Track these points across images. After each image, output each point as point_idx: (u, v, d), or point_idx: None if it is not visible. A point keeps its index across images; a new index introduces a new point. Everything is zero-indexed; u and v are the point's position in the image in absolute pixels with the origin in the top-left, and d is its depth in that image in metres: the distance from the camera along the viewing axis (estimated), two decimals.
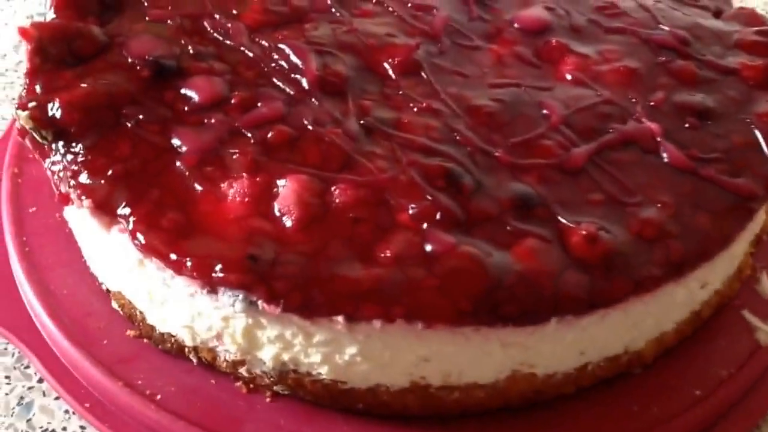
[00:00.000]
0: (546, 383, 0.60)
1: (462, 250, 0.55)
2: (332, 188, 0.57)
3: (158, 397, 0.59)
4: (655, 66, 0.69)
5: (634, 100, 0.66)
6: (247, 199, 0.57)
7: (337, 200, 0.57)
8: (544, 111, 0.64)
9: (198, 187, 0.58)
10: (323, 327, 0.54)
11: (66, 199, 0.61)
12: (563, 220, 0.57)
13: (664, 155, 0.62)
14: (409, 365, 0.57)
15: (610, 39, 0.71)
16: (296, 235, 0.55)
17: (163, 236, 0.56)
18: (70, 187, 0.59)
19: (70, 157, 0.59)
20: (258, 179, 0.58)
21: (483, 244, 0.55)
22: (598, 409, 0.61)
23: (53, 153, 0.61)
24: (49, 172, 0.61)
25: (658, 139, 0.63)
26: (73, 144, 0.60)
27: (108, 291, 0.65)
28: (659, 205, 0.59)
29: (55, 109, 0.61)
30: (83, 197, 0.58)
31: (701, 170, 0.61)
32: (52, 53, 0.65)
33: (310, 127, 0.61)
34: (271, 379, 0.59)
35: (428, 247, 0.55)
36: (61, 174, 0.60)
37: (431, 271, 0.54)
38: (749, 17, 0.75)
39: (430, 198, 0.57)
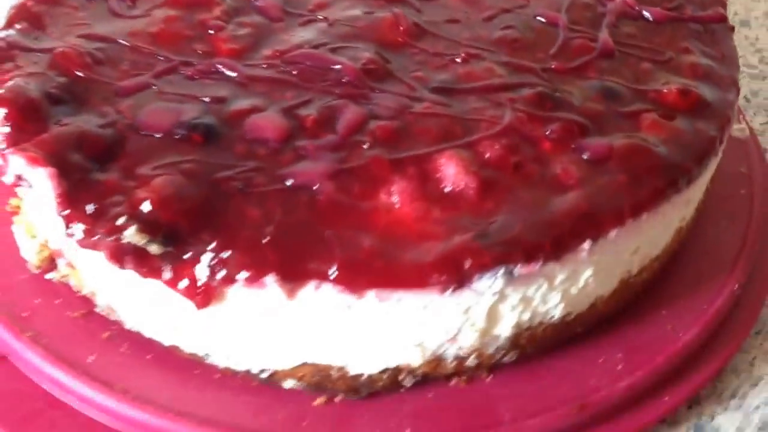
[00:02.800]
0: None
1: (620, 144, 0.58)
2: (477, 150, 0.57)
3: None
4: None
5: None
6: (414, 197, 0.55)
7: (488, 156, 0.57)
8: (544, 20, 0.69)
9: (360, 209, 0.54)
10: (567, 263, 0.54)
11: (209, 297, 0.53)
12: (647, 90, 0.63)
13: (647, 15, 0.71)
14: (624, 264, 0.59)
15: None
16: (484, 202, 0.55)
17: (378, 264, 0.52)
18: (222, 279, 0.52)
19: (207, 252, 0.51)
20: (409, 176, 0.55)
21: (620, 135, 0.59)
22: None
23: (169, 262, 0.52)
24: (179, 284, 0.52)
25: (636, 7, 0.71)
26: (191, 239, 0.52)
27: (270, 375, 0.57)
28: (686, 51, 0.67)
29: (148, 212, 0.52)
30: (259, 278, 0.51)
31: (681, 15, 0.71)
32: (74, 164, 0.55)
33: (401, 112, 0.60)
34: (502, 351, 0.58)
35: (586, 156, 0.58)
36: (205, 274, 0.52)
37: (614, 171, 0.57)
38: None
39: (552, 120, 0.60)
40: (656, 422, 0.60)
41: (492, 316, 0.55)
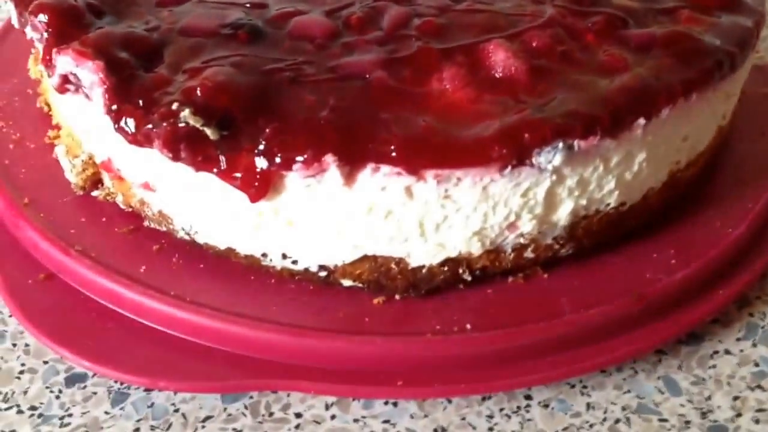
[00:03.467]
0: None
1: (663, 32, 0.59)
2: (525, 39, 0.57)
3: None
4: None
5: None
6: (466, 83, 0.55)
7: (536, 45, 0.57)
8: None
9: (414, 93, 0.54)
10: (622, 143, 0.54)
11: (266, 187, 0.52)
12: None
13: None
14: (674, 153, 0.60)
15: None
16: (536, 84, 0.55)
17: (437, 142, 0.51)
18: (280, 163, 0.51)
19: (263, 138, 0.51)
20: (458, 63, 0.55)
21: (660, 26, 0.60)
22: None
23: (224, 150, 0.51)
24: (235, 174, 0.52)
25: None
26: (246, 126, 0.52)
27: (328, 274, 0.57)
28: None
29: (202, 99, 0.52)
30: (318, 158, 0.50)
31: None
32: (121, 60, 0.55)
33: (445, 10, 0.60)
34: (560, 242, 0.57)
35: (631, 42, 0.58)
36: (262, 159, 0.51)
37: (660, 56, 0.57)
38: None
39: (593, 15, 0.60)
40: (710, 316, 0.60)
41: (550, 199, 0.55)
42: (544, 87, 0.55)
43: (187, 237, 0.58)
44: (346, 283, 0.56)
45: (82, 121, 0.60)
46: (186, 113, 0.50)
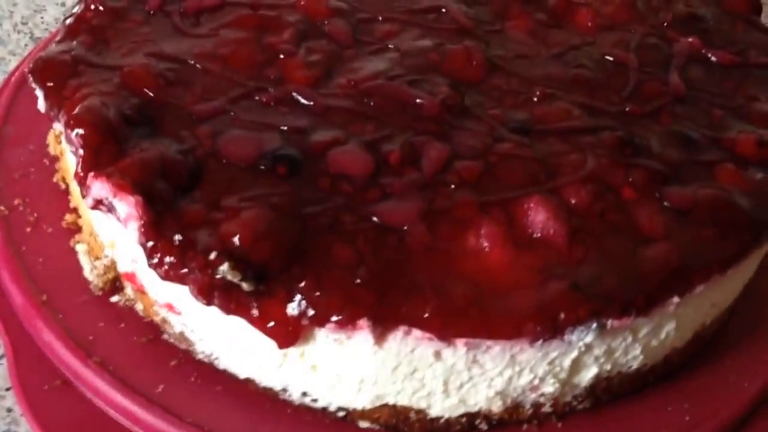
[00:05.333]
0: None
1: (703, 195, 0.58)
2: (563, 195, 0.57)
3: None
4: None
5: (654, 25, 0.73)
6: (504, 242, 0.54)
7: (575, 203, 0.57)
8: (613, 59, 0.69)
9: (450, 252, 0.53)
10: (653, 317, 0.54)
11: (295, 338, 0.52)
12: (722, 138, 0.63)
13: (714, 59, 0.71)
14: (702, 317, 0.60)
15: None
16: (573, 249, 0.54)
17: (471, 313, 0.51)
18: (312, 320, 0.51)
19: (298, 291, 0.50)
20: (497, 219, 0.55)
21: (700, 185, 0.60)
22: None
23: (258, 299, 0.51)
24: (267, 323, 0.51)
25: (702, 48, 0.71)
26: (280, 277, 0.51)
27: (346, 414, 0.57)
28: (754, 98, 0.68)
29: (240, 249, 0.51)
30: (352, 319, 0.50)
31: (749, 60, 0.71)
32: (159, 192, 0.54)
33: (483, 152, 0.59)
34: (579, 399, 0.58)
35: (667, 204, 0.58)
36: (294, 312, 0.51)
37: (699, 223, 0.57)
38: None
39: (635, 167, 0.59)
40: None
41: (576, 366, 0.55)
42: (580, 253, 0.54)
43: (206, 360, 0.58)
44: (364, 424, 0.56)
45: (108, 228, 0.59)
46: (225, 268, 0.50)
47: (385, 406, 0.55)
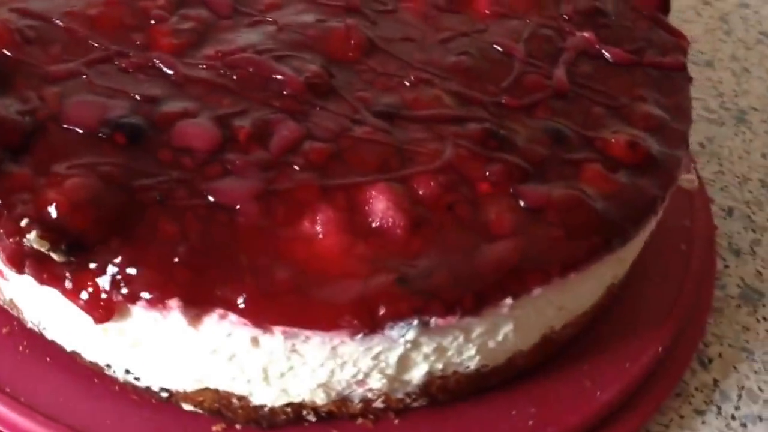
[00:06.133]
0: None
1: (558, 195, 0.56)
2: (413, 185, 0.55)
3: None
4: None
5: (553, 17, 0.71)
6: (340, 229, 0.52)
7: (422, 193, 0.55)
8: (501, 49, 0.67)
9: (281, 236, 0.52)
10: (487, 317, 0.53)
11: (110, 313, 0.50)
12: (594, 137, 0.61)
13: (608, 56, 0.69)
14: (547, 320, 0.58)
15: None
16: (412, 241, 0.53)
17: (289, 300, 0.49)
18: (125, 296, 0.49)
19: (113, 265, 0.49)
20: (336, 205, 0.53)
21: (560, 184, 0.58)
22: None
23: (72, 271, 0.49)
24: (81, 295, 0.50)
25: (596, 44, 0.69)
26: (97, 250, 0.49)
27: (169, 395, 0.55)
28: (641, 98, 0.66)
29: (55, 216, 0.49)
30: (163, 298, 0.49)
31: (643, 59, 0.69)
32: None
33: (339, 135, 0.57)
34: (412, 397, 0.56)
35: (522, 203, 0.56)
36: (106, 286, 0.49)
37: (549, 224, 0.55)
38: None
39: (495, 161, 0.57)
40: None
41: (403, 363, 0.53)
42: (418, 246, 0.52)
43: (36, 330, 0.56)
44: (187, 407, 0.55)
45: None
46: (32, 236, 0.48)
47: (207, 390, 0.54)
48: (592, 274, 0.57)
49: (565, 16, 0.71)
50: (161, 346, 0.52)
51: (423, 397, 0.56)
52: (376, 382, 0.54)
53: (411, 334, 0.50)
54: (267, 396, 0.54)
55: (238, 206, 0.52)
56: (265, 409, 0.54)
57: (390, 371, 0.53)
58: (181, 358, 0.52)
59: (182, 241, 0.50)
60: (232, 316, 0.49)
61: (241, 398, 0.54)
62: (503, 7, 0.70)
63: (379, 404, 0.56)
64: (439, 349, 0.53)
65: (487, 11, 0.70)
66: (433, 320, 0.50)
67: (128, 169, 0.53)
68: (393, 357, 0.52)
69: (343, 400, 0.55)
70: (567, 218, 0.55)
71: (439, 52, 0.65)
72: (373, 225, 0.53)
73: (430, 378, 0.55)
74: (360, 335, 0.50)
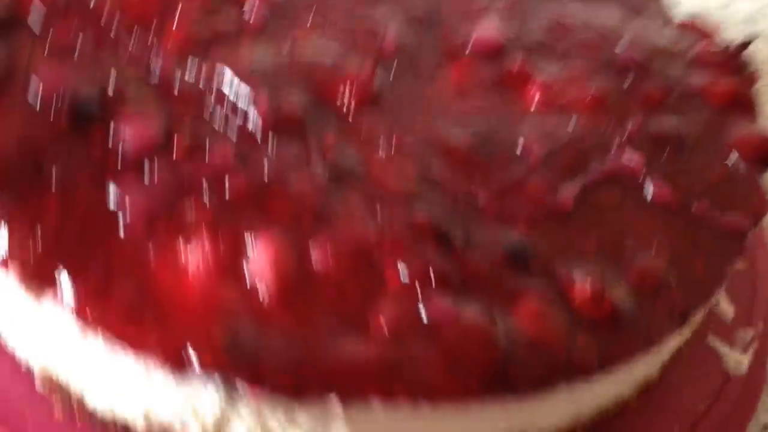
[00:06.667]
0: None
1: (466, 322, 0.49)
2: (310, 250, 0.50)
3: None
4: (622, 91, 0.64)
5: (609, 130, 0.61)
6: (211, 266, 0.49)
7: (317, 263, 0.50)
8: (520, 145, 0.59)
9: (151, 252, 0.49)
10: (312, 407, 0.47)
11: None
12: (561, 273, 0.52)
13: (649, 192, 0.58)
14: None
15: (569, 61, 0.66)
16: (275, 308, 0.48)
17: (117, 308, 0.47)
18: None
19: None
20: (221, 241, 0.50)
21: (481, 307, 0.50)
22: None
23: None
24: None
25: (642, 174, 0.59)
26: None
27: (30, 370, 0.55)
28: (654, 250, 0.55)
29: None
30: (10, 261, 0.48)
31: (692, 207, 0.58)
32: None
33: (272, 177, 0.53)
34: None
35: (424, 313, 0.49)
36: None
37: (434, 347, 0.48)
38: (697, 28, 0.72)
39: (419, 257, 0.51)
40: None
41: (223, 421, 0.49)
42: (279, 311, 0.48)
43: None
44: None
45: None
46: None
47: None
48: (469, 417, 0.48)
49: (626, 133, 0.61)
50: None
51: None
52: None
53: (213, 390, 0.46)
54: (96, 400, 0.52)
55: (127, 211, 0.51)
56: (98, 417, 0.53)
57: (210, 428, 0.49)
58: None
59: (55, 221, 0.50)
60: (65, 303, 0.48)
61: (76, 393, 0.53)
62: (557, 102, 0.62)
63: None
64: (259, 416, 0.48)
65: (536, 100, 0.62)
66: (241, 386, 0.45)
67: (51, 144, 0.53)
68: (209, 411, 0.48)
69: None
70: (459, 348, 0.48)
71: (446, 124, 0.59)
72: (247, 276, 0.49)
73: None
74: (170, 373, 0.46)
